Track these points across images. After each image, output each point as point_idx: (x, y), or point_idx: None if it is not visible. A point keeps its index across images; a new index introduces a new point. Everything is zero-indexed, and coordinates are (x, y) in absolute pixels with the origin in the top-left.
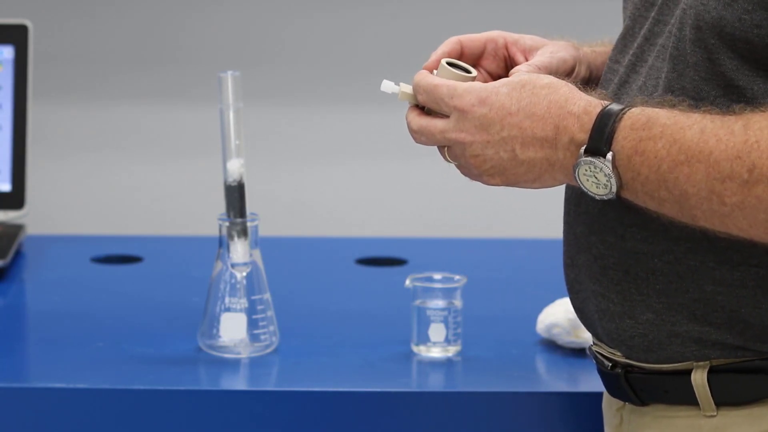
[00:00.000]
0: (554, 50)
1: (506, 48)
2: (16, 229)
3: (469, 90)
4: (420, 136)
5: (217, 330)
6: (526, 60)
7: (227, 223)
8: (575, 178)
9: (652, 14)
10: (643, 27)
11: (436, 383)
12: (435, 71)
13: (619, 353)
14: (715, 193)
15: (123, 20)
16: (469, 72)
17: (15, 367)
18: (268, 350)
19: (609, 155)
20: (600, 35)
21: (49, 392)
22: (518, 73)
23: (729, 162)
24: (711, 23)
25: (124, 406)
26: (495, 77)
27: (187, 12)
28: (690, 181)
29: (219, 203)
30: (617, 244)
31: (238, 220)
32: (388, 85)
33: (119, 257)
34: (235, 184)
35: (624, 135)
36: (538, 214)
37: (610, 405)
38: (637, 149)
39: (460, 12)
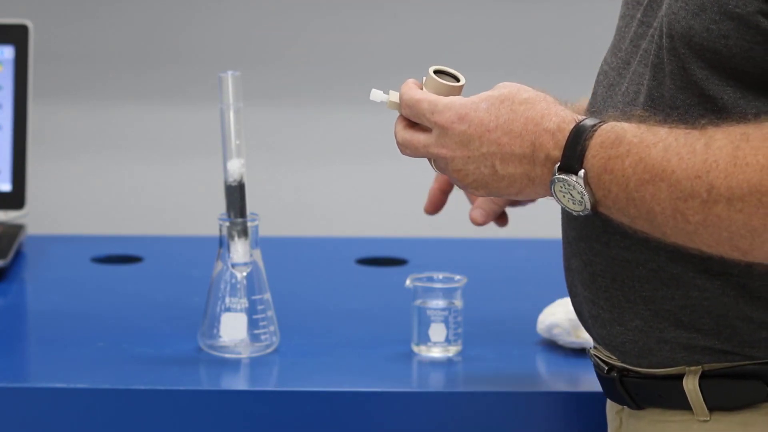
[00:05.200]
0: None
1: None
2: (16, 229)
3: (449, 106)
4: (405, 149)
5: (218, 330)
6: None
7: (227, 223)
8: (552, 194)
9: (638, 15)
10: (631, 28)
11: (436, 383)
12: (424, 78)
13: (614, 357)
14: (679, 211)
15: (123, 20)
16: (457, 80)
17: (15, 367)
18: (269, 350)
19: (581, 173)
20: (598, 37)
21: (49, 392)
22: (499, 86)
23: (689, 181)
24: (681, 33)
25: (124, 406)
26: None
27: (187, 12)
28: (655, 199)
29: (219, 203)
30: (603, 251)
31: (239, 220)
32: (377, 94)
33: (119, 257)
34: (235, 184)
35: (594, 153)
36: (538, 214)
37: (611, 407)
38: (606, 167)
39: (460, 13)
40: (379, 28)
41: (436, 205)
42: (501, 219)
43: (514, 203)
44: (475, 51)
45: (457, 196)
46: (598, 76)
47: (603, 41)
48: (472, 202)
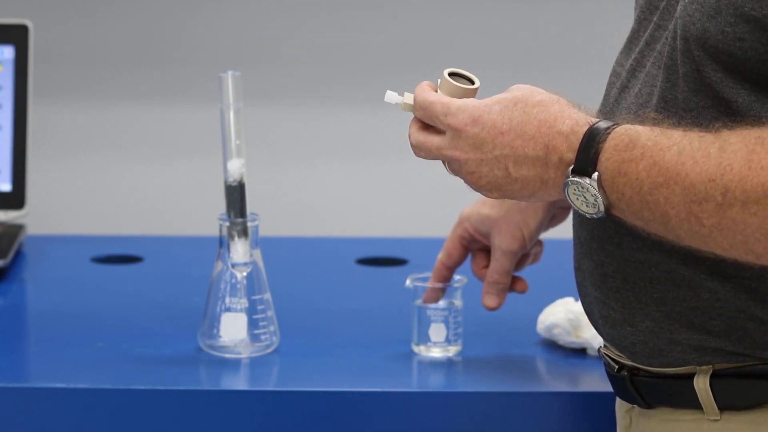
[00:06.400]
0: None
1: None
2: (16, 229)
3: (462, 109)
4: (419, 151)
5: (218, 330)
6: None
7: (227, 223)
8: (566, 196)
9: (654, 18)
10: (646, 31)
11: (436, 383)
12: (438, 80)
13: (624, 356)
14: (693, 215)
15: (123, 20)
16: (472, 82)
17: (15, 367)
18: (269, 350)
19: (594, 175)
20: (598, 37)
21: (49, 392)
22: (512, 89)
23: (704, 185)
24: (696, 35)
25: (124, 406)
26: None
27: (187, 12)
28: (669, 203)
29: (219, 203)
30: (615, 252)
31: (239, 220)
32: (391, 96)
33: (119, 257)
34: (235, 184)
35: (607, 156)
36: None
37: (621, 406)
38: (620, 170)
39: (460, 13)
40: (379, 28)
41: (441, 280)
42: (516, 285)
43: (518, 267)
44: (476, 51)
45: (456, 196)
46: (610, 77)
47: (602, 41)
48: (480, 278)
